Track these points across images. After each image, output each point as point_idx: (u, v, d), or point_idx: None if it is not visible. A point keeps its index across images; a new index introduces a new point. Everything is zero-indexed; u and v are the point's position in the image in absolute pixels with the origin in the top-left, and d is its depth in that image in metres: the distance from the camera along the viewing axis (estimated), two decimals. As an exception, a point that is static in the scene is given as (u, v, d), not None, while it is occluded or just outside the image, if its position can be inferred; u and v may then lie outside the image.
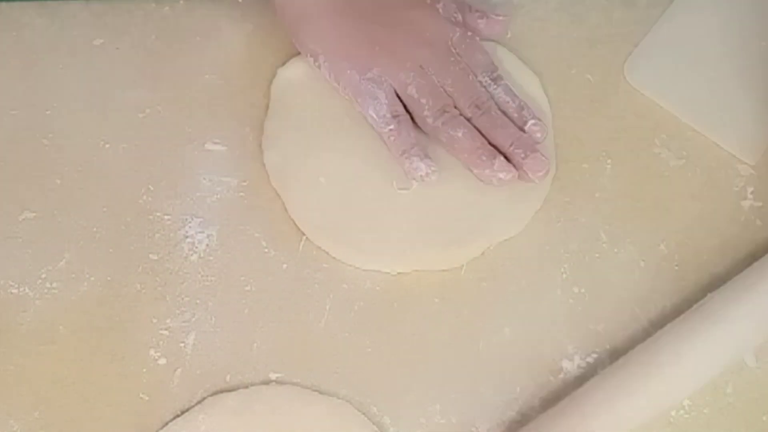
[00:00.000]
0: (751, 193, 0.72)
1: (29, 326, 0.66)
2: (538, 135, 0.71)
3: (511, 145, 0.70)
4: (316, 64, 0.73)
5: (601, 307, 0.68)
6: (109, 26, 0.76)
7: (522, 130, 0.71)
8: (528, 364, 0.66)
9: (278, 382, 0.65)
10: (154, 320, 0.66)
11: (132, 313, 0.66)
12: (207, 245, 0.69)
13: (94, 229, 0.69)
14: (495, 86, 0.73)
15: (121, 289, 0.67)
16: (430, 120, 0.71)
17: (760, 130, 0.74)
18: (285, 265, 0.69)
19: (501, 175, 0.70)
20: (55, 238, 0.69)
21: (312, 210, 0.70)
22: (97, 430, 0.63)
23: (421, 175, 0.70)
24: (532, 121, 0.72)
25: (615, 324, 0.67)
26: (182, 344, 0.66)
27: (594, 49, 0.77)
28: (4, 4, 0.75)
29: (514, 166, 0.70)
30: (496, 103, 0.72)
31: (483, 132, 0.71)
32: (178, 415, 0.63)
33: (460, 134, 0.71)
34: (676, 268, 0.69)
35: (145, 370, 0.65)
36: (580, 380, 0.65)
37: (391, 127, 0.71)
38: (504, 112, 0.72)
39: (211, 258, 0.69)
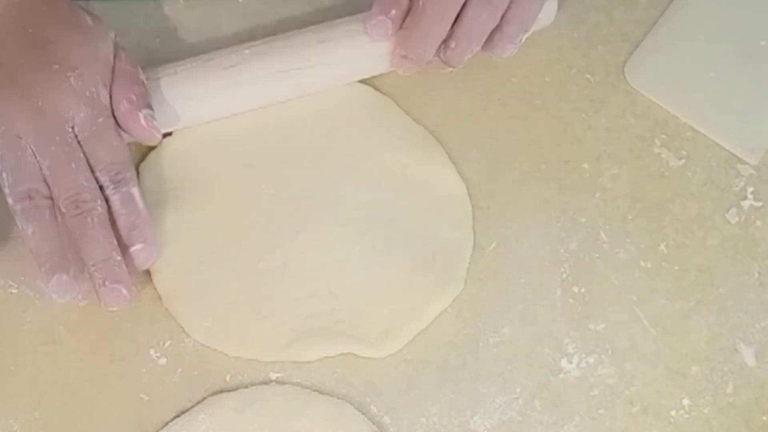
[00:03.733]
0: (751, 193, 0.72)
1: (29, 326, 0.66)
2: (141, 262, 0.63)
3: (93, 265, 0.60)
4: None
5: (601, 307, 0.68)
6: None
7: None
8: (528, 364, 0.66)
9: (278, 382, 0.65)
10: (154, 320, 0.66)
11: (132, 313, 0.66)
12: (207, 245, 0.69)
13: (94, 229, 0.69)
14: (113, 190, 0.62)
15: (121, 289, 0.67)
16: (10, 201, 0.61)
17: (762, 130, 0.74)
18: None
19: (54, 296, 0.60)
20: (55, 238, 0.69)
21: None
22: (97, 430, 0.63)
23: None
24: (137, 246, 0.62)
25: (615, 324, 0.67)
26: (182, 344, 0.66)
27: (594, 49, 0.77)
28: (3, 4, 0.75)
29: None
30: (114, 211, 0.62)
31: (73, 238, 0.61)
32: (178, 415, 0.63)
33: (30, 231, 0.60)
34: (676, 268, 0.69)
35: (145, 370, 0.65)
36: (580, 380, 0.65)
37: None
38: (113, 224, 0.62)
39: (211, 258, 0.69)
